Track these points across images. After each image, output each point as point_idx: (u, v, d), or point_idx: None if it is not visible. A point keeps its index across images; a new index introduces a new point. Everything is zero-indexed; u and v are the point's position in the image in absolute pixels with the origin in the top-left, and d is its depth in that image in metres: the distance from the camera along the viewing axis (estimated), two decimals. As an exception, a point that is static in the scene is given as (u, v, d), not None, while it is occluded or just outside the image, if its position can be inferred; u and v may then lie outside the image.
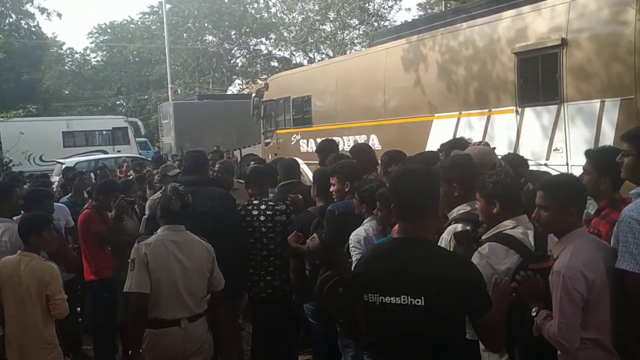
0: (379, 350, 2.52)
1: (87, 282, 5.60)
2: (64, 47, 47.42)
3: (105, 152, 23.03)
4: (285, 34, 39.07)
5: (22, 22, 35.21)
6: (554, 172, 4.46)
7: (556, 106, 7.65)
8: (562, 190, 2.70)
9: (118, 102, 48.00)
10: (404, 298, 2.30)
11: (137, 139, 26.53)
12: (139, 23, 48.93)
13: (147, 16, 48.42)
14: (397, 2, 37.23)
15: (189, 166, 4.96)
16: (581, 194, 2.77)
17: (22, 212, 4.72)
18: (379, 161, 5.03)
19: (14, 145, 16.42)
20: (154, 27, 46.35)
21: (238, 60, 47.33)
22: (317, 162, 6.00)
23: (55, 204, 5.93)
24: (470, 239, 2.89)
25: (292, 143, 13.46)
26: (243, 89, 44.76)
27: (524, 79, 8.11)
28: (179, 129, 24.91)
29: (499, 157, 3.96)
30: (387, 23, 34.40)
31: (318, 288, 3.96)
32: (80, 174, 7.63)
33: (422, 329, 2.32)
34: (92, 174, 10.65)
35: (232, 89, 46.39)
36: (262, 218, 4.66)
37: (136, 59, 47.26)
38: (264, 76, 36.88)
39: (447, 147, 4.40)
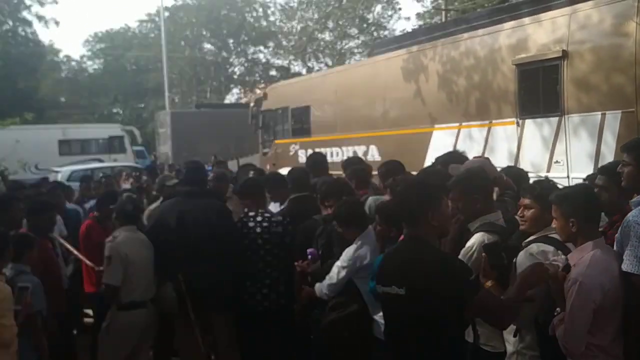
0: (386, 334, 2.92)
1: (87, 294, 5.54)
2: (61, 55, 47.46)
3: (101, 161, 22.88)
4: (284, 42, 39.17)
5: (19, 29, 35.18)
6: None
7: (557, 118, 7.61)
8: (565, 201, 2.83)
9: (115, 111, 47.91)
10: (393, 288, 2.65)
11: (134, 148, 26.41)
12: (137, 31, 49.02)
13: (144, 24, 48.52)
14: (397, 12, 37.25)
15: (187, 177, 4.92)
16: (585, 205, 2.84)
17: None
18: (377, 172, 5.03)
19: (9, 153, 16.33)
20: (152, 35, 46.42)
21: (236, 69, 47.39)
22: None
23: None
24: (500, 249, 3.06)
25: (291, 153, 13.40)
26: (241, 98, 44.80)
27: (525, 91, 8.08)
28: (176, 138, 24.88)
29: (499, 169, 3.97)
30: (386, 33, 34.54)
31: (322, 330, 4.02)
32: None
33: (405, 317, 2.64)
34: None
35: (230, 98, 46.45)
36: (258, 230, 4.60)
37: (133, 67, 47.27)
38: (262, 85, 36.92)
39: (442, 160, 4.37)
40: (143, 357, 4.70)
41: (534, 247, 2.96)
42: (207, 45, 46.51)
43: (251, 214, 4.69)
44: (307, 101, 12.95)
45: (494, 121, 8.56)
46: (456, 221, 3.30)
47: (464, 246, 3.26)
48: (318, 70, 34.43)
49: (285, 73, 40.44)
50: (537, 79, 7.91)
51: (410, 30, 25.61)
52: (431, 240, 2.68)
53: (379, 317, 3.74)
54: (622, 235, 2.84)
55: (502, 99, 8.43)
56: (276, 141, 14.27)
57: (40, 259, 4.40)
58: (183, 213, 4.47)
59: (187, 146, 23.74)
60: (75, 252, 5.52)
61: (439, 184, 2.88)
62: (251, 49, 46.25)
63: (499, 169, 4.15)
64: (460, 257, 3.15)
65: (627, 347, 2.72)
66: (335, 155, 11.14)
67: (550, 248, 2.94)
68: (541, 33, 7.90)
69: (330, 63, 36.50)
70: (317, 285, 4.09)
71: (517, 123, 8.15)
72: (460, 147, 8.34)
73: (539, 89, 7.91)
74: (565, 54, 7.45)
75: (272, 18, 43.10)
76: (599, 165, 6.75)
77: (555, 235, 2.96)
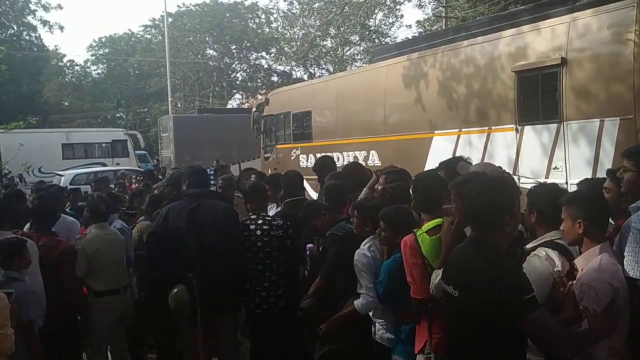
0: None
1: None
2: (65, 59, 47.66)
3: (104, 165, 23.00)
4: (286, 48, 39.28)
5: (24, 33, 35.36)
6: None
7: (556, 125, 7.67)
8: (574, 203, 2.84)
9: (118, 115, 48.10)
10: (450, 287, 2.65)
11: (137, 152, 26.53)
12: (140, 36, 49.23)
13: (148, 29, 48.74)
14: (398, 19, 37.40)
15: (193, 180, 4.93)
16: (593, 207, 2.84)
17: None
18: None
19: (13, 156, 16.40)
20: (155, 40, 46.63)
21: (238, 75, 47.59)
22: (316, 177, 6.00)
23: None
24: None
25: (292, 158, 13.47)
26: (243, 103, 44.96)
27: (524, 98, 8.14)
28: (179, 142, 24.98)
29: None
30: (387, 40, 34.63)
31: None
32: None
33: (457, 317, 2.63)
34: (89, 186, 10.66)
35: (232, 103, 46.62)
36: (258, 232, 4.64)
37: (136, 72, 47.46)
38: (264, 91, 37.04)
39: (446, 165, 4.39)
40: (120, 334, 5.20)
41: (542, 252, 2.93)
42: (210, 51, 46.72)
43: (253, 216, 4.74)
44: (309, 106, 13.02)
45: (493, 127, 8.62)
46: (454, 223, 3.32)
47: None
48: (319, 76, 34.54)
49: (287, 79, 40.59)
50: (537, 86, 7.97)
51: (411, 37, 25.69)
52: (500, 246, 2.57)
53: (380, 321, 3.80)
54: (620, 239, 2.85)
55: (502, 106, 8.49)
56: (278, 146, 14.34)
57: None
58: (192, 213, 4.49)
59: (189, 150, 23.86)
60: None
61: (515, 185, 2.75)
62: (253, 55, 46.47)
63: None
64: None
65: (635, 356, 2.72)
66: (336, 160, 11.20)
67: (555, 254, 2.92)
68: (540, 41, 7.97)
69: (331, 69, 36.61)
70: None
71: (516, 129, 8.21)
72: (459, 153, 8.42)
73: (538, 96, 7.98)
74: (564, 62, 7.52)
75: (274, 25, 43.32)
76: (597, 172, 6.88)
77: (561, 241, 2.96)
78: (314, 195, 8.97)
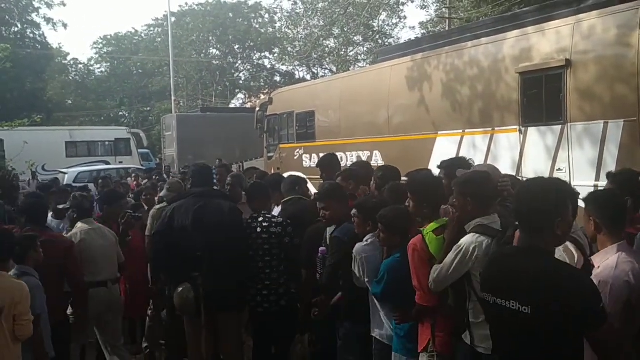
0: (496, 347, 2.69)
1: None
2: (68, 58, 47.76)
3: (107, 163, 23.04)
4: (289, 48, 39.31)
5: (28, 31, 35.42)
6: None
7: (560, 126, 7.68)
8: (592, 202, 2.90)
9: (121, 113, 48.21)
10: (512, 303, 2.40)
11: (140, 151, 26.56)
12: (143, 35, 49.30)
13: (151, 28, 48.81)
14: (402, 20, 37.38)
15: (197, 179, 4.94)
16: (611, 207, 2.90)
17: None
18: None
19: (17, 154, 16.43)
20: (159, 39, 46.69)
21: (241, 74, 47.64)
22: (319, 177, 6.00)
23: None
24: None
25: (295, 157, 13.49)
26: (246, 103, 45.00)
27: (528, 99, 8.15)
28: (182, 141, 24.99)
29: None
30: (391, 41, 34.65)
31: None
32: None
33: (528, 336, 2.39)
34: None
35: (235, 103, 46.68)
36: (258, 230, 4.67)
37: (139, 71, 47.54)
38: (267, 90, 37.07)
39: (447, 165, 4.40)
40: (111, 327, 5.29)
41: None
42: (213, 51, 46.78)
43: (255, 215, 4.78)
44: (312, 106, 13.04)
45: (497, 128, 8.63)
46: (454, 222, 3.35)
47: None
48: (322, 77, 34.57)
49: (290, 79, 40.62)
50: (541, 88, 7.99)
51: (414, 38, 25.71)
52: (551, 251, 2.50)
53: (378, 317, 3.82)
54: None
55: (506, 107, 8.50)
56: (281, 145, 14.36)
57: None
58: (198, 213, 4.51)
59: (192, 149, 23.87)
60: None
61: (568, 188, 2.59)
62: (256, 55, 46.53)
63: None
64: (450, 254, 3.18)
65: None
66: (340, 160, 11.21)
67: (573, 246, 2.96)
68: (545, 42, 7.98)
69: (334, 69, 36.64)
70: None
71: (520, 131, 8.22)
72: (463, 154, 8.42)
73: (542, 98, 7.99)
74: (568, 63, 7.53)
75: (277, 25, 43.36)
76: (601, 174, 6.89)
77: (575, 235, 2.99)
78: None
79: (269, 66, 46.11)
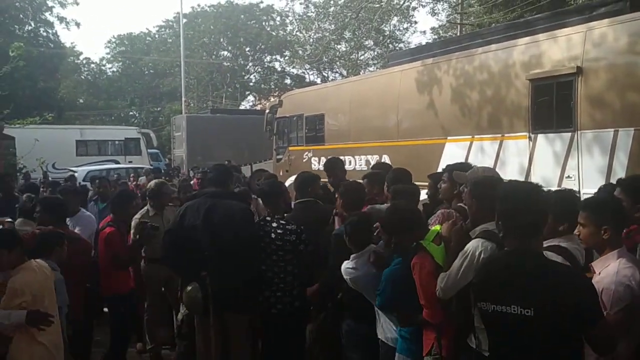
0: (495, 356, 2.64)
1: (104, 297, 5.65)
2: (81, 57, 48.11)
3: (117, 162, 23.20)
4: (300, 52, 39.38)
5: (41, 30, 35.71)
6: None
7: (570, 134, 7.66)
8: (597, 209, 2.90)
9: (131, 113, 48.45)
10: (514, 308, 2.39)
11: (149, 151, 26.73)
12: (156, 36, 49.58)
13: (163, 29, 49.09)
14: (413, 25, 37.42)
15: (211, 179, 4.97)
16: (616, 213, 2.93)
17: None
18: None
19: (28, 151, 16.56)
20: (170, 40, 46.95)
21: (252, 76, 47.77)
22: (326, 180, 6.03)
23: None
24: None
25: (304, 160, 13.52)
26: (255, 105, 45.11)
27: (538, 106, 8.13)
28: (191, 141, 25.10)
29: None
30: (402, 45, 34.65)
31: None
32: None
33: (532, 339, 2.40)
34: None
35: (245, 105, 46.82)
36: (272, 236, 4.67)
37: (150, 71, 47.79)
38: (277, 93, 37.14)
39: (451, 168, 4.42)
40: None
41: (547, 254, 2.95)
42: (224, 52, 46.97)
43: (268, 218, 4.79)
44: (322, 109, 13.07)
45: (506, 135, 8.62)
46: (456, 225, 3.36)
47: None
48: (333, 80, 34.61)
49: (300, 82, 40.70)
50: (551, 95, 7.96)
51: (426, 43, 25.68)
52: (541, 252, 2.52)
53: (384, 320, 3.83)
54: None
55: (515, 114, 8.49)
56: (290, 148, 14.40)
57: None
58: (208, 213, 4.52)
59: (201, 150, 23.98)
60: None
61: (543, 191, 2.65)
62: (267, 57, 46.66)
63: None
64: (457, 260, 3.18)
65: None
66: (348, 163, 11.24)
67: (558, 258, 2.94)
68: (556, 49, 7.97)
69: (345, 73, 36.67)
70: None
71: (530, 137, 8.21)
72: (471, 160, 8.42)
73: (552, 105, 7.97)
74: (579, 71, 7.51)
75: (289, 28, 43.49)
76: (611, 181, 6.86)
77: (567, 245, 3.01)
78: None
79: (279, 69, 46.28)
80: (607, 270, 2.81)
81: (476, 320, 3.17)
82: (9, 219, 5.22)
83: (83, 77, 48.35)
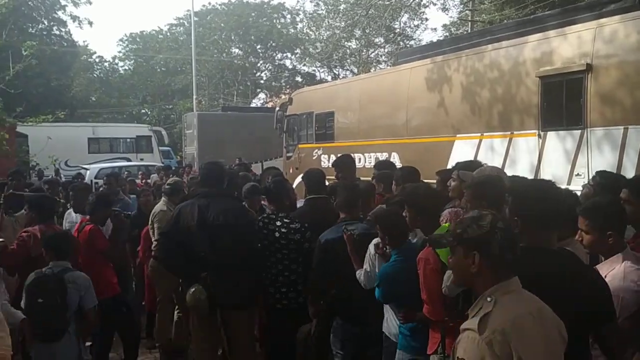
0: None
1: None
2: (94, 56, 48.42)
3: (128, 160, 23.36)
4: (311, 49, 39.39)
5: (54, 28, 36.01)
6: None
7: (579, 131, 7.63)
8: (599, 214, 2.84)
9: (143, 111, 48.70)
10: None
11: (161, 148, 26.87)
12: (167, 34, 49.79)
13: (175, 27, 49.29)
14: (423, 22, 37.23)
15: (204, 177, 4.90)
16: (619, 217, 2.89)
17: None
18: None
19: (41, 149, 16.73)
20: (182, 38, 47.13)
21: (263, 74, 47.86)
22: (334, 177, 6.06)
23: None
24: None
25: (314, 158, 13.55)
26: (266, 103, 45.17)
27: (548, 103, 8.10)
28: (203, 139, 25.18)
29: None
30: (412, 42, 34.54)
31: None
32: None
33: None
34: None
35: (256, 102, 46.89)
36: (276, 234, 4.69)
37: (162, 69, 48.00)
38: (288, 90, 37.18)
39: (461, 166, 4.43)
40: None
41: None
42: (235, 50, 47.07)
43: (272, 215, 4.82)
44: (332, 107, 13.09)
45: (515, 132, 8.60)
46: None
47: None
48: (343, 77, 34.58)
49: (311, 79, 40.72)
50: (561, 92, 7.93)
51: (435, 40, 25.58)
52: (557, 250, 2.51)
53: (389, 315, 3.86)
54: None
55: (525, 111, 8.46)
56: (300, 145, 14.43)
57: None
58: (202, 213, 4.50)
59: (212, 148, 24.04)
60: None
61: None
62: (278, 55, 46.70)
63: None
64: None
65: None
66: (358, 161, 11.25)
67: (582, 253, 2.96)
68: (566, 46, 7.92)
69: (355, 70, 36.63)
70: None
71: (539, 135, 8.18)
72: (481, 158, 8.39)
73: (562, 102, 7.93)
74: (589, 68, 7.48)
75: (299, 25, 43.50)
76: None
77: (571, 249, 2.94)
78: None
79: (290, 66, 46.31)
80: (614, 274, 2.74)
81: None
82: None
83: (95, 75, 48.68)
